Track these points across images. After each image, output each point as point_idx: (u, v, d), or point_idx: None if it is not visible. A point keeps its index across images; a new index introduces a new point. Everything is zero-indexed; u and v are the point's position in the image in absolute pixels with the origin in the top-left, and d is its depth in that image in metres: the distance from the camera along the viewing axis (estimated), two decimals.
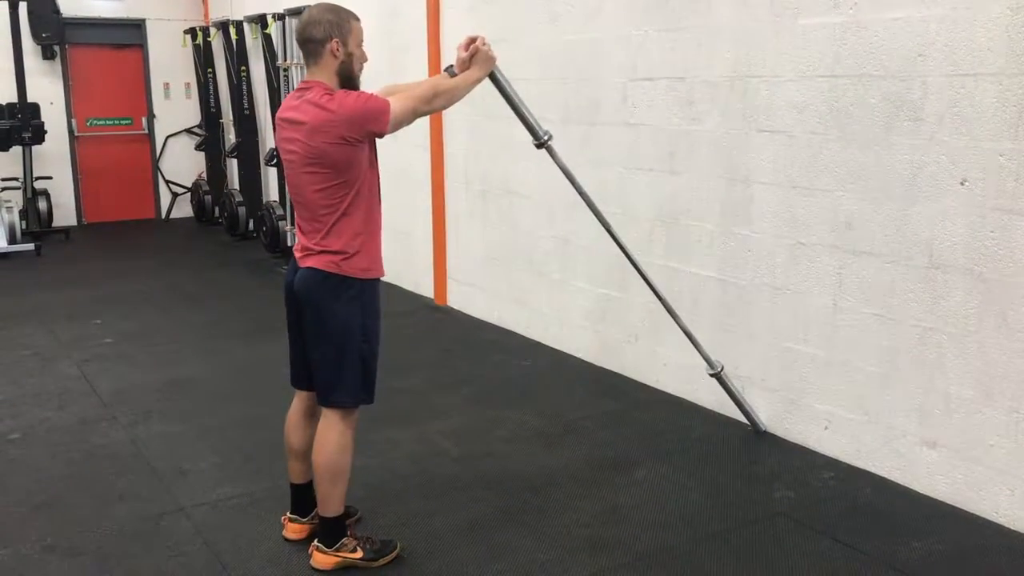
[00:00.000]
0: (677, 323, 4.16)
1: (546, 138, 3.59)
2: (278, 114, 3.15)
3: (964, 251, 3.47)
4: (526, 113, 3.50)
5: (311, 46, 3.04)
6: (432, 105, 3.18)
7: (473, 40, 3.25)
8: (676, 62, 4.60)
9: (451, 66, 3.28)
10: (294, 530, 3.40)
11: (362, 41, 3.11)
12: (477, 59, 3.24)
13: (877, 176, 3.73)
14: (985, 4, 3.31)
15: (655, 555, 3.30)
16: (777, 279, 4.22)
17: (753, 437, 4.33)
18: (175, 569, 3.23)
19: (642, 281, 4.90)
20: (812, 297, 4.07)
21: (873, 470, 3.89)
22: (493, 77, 3.35)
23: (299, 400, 3.35)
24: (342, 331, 3.09)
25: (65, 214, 10.41)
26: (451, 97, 3.21)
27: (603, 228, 3.98)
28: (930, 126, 3.52)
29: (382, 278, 3.23)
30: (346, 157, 2.97)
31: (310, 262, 3.08)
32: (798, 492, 3.76)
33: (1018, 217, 3.29)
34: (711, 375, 4.25)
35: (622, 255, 5.04)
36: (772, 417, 4.33)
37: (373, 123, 2.99)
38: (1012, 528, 3.42)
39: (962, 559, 3.25)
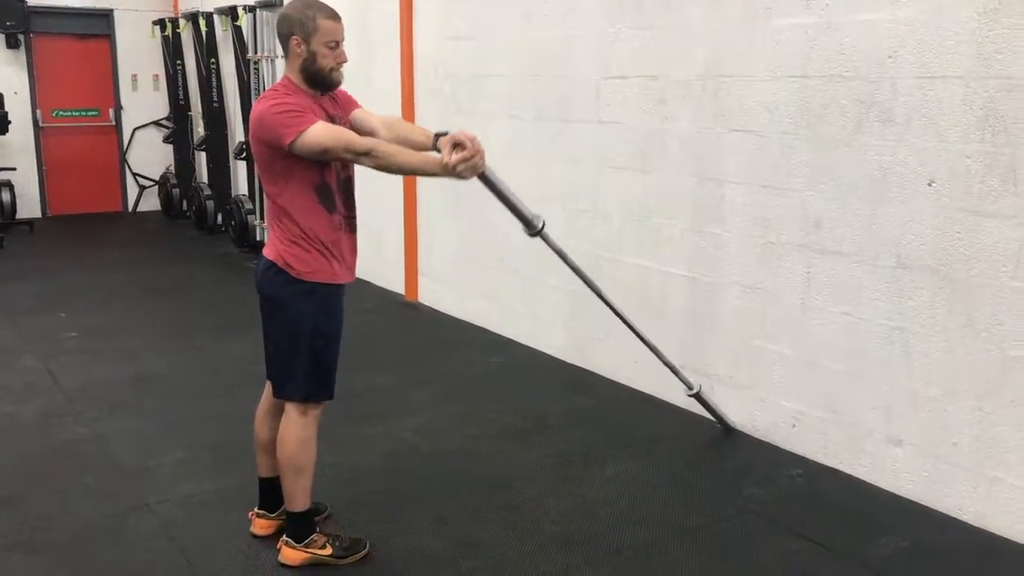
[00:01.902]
0: (657, 355, 4.12)
1: (540, 225, 3.36)
2: None
3: (931, 251, 3.51)
4: (519, 206, 3.31)
5: (280, 41, 3.06)
6: (358, 159, 2.94)
7: (473, 147, 2.89)
8: (649, 61, 4.61)
9: (441, 136, 3.02)
10: (262, 526, 3.37)
11: (335, 40, 3.01)
12: (465, 168, 2.90)
13: (846, 176, 3.76)
14: (953, 8, 3.35)
15: (625, 551, 3.31)
16: (747, 278, 4.24)
17: (722, 434, 4.36)
18: (140, 566, 3.19)
19: (613, 279, 4.93)
20: (781, 296, 4.10)
21: (840, 468, 3.93)
22: (484, 177, 3.09)
23: (266, 393, 3.32)
24: (291, 324, 3.08)
25: (29, 206, 10.24)
26: (387, 167, 2.96)
27: (589, 285, 3.83)
28: (899, 127, 3.56)
29: (346, 283, 3.18)
30: (264, 157, 2.99)
31: (266, 252, 3.11)
32: (766, 489, 3.79)
33: (984, 218, 3.34)
34: (689, 395, 4.26)
35: (592, 253, 5.08)
36: (741, 415, 4.36)
37: (274, 136, 2.89)
38: (975, 525, 3.47)
39: (927, 556, 3.29)
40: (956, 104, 3.38)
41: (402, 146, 3.08)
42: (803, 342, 4.03)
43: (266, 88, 3.18)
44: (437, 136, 3.06)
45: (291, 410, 3.14)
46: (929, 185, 3.49)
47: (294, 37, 2.98)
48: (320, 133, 2.90)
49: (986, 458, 3.43)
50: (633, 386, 4.94)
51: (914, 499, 3.66)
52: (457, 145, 2.87)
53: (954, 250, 3.44)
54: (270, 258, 3.07)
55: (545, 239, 3.43)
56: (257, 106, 2.99)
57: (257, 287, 3.15)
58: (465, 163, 2.88)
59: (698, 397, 4.26)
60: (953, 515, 3.53)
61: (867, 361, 3.78)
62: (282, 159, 2.95)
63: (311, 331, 3.08)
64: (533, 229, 3.35)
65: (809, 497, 3.73)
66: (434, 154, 3.03)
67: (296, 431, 3.12)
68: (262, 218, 8.15)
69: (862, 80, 3.66)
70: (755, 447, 4.21)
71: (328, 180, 3.04)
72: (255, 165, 3.11)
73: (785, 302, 4.08)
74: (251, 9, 8.34)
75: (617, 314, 3.96)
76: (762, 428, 4.27)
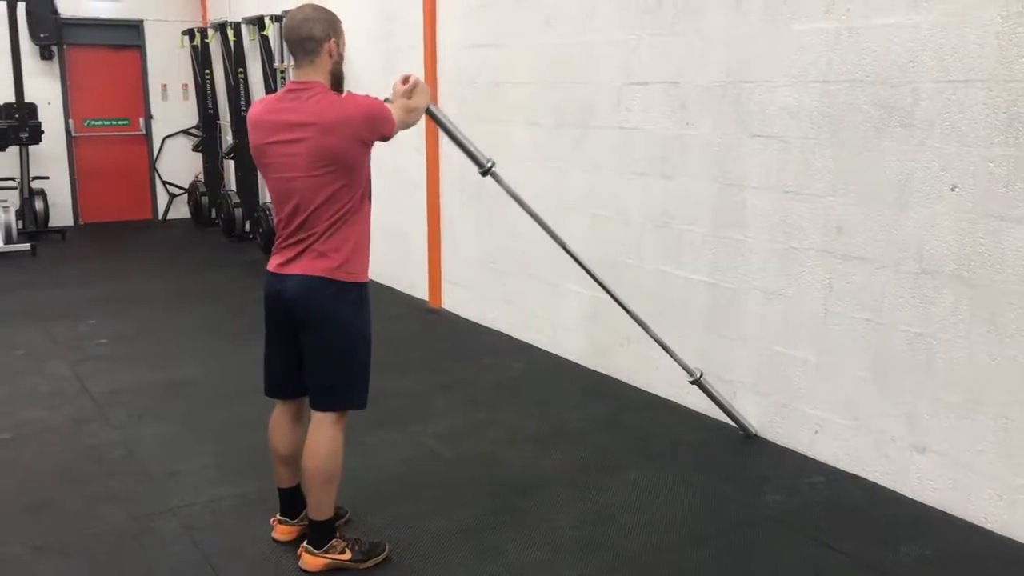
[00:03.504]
0: (648, 333, 4.21)
1: (489, 164, 3.59)
2: (259, 116, 3.05)
3: (954, 257, 3.48)
4: (466, 143, 3.52)
5: (310, 44, 3.00)
6: (409, 120, 3.22)
7: (408, 77, 3.27)
8: (670, 67, 4.61)
9: (388, 98, 3.26)
10: (283, 532, 3.40)
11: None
12: (417, 91, 3.25)
13: (868, 182, 3.74)
14: (976, 11, 3.32)
15: (643, 557, 3.30)
16: (768, 283, 4.23)
17: (743, 441, 4.34)
18: (164, 570, 3.24)
19: (633, 285, 4.93)
20: (803, 301, 4.07)
21: (863, 475, 3.90)
22: (430, 111, 3.38)
23: (283, 408, 3.32)
24: (347, 336, 3.09)
25: (62, 214, 10.40)
26: (416, 118, 3.28)
27: (570, 255, 4.04)
28: (921, 132, 3.53)
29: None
30: (358, 158, 3.00)
31: (303, 268, 3.02)
32: (788, 496, 3.77)
33: (1007, 223, 3.30)
34: (691, 382, 4.26)
35: (613, 259, 5.08)
36: (763, 421, 4.34)
37: (383, 125, 3.03)
38: (1000, 534, 3.43)
39: (950, 565, 3.26)
40: (979, 108, 3.35)
41: None
42: (825, 348, 4.00)
43: None
44: (386, 99, 3.26)
45: (326, 420, 3.13)
46: (952, 190, 3.46)
47: (332, 40, 3.02)
48: (396, 107, 3.14)
49: (1011, 466, 3.39)
50: (654, 391, 4.93)
51: (938, 507, 3.62)
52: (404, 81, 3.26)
53: (977, 255, 3.41)
54: (314, 274, 3.01)
55: (495, 177, 3.67)
56: (341, 111, 2.94)
57: (291, 305, 3.06)
58: (415, 84, 3.25)
59: (699, 384, 4.26)
60: (978, 523, 3.50)
61: (890, 367, 3.75)
62: (367, 160, 3.06)
63: (363, 339, 3.13)
64: (483, 167, 3.60)
65: (831, 504, 3.70)
66: (412, 100, 3.27)
67: (329, 442, 3.13)
68: None
69: (883, 85, 3.64)
70: (777, 454, 4.19)
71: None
72: (311, 183, 2.95)
73: (807, 308, 4.06)
74: (278, 19, 8.43)
75: (599, 283, 4.11)
76: (784, 434, 4.25)
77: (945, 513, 3.59)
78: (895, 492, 3.76)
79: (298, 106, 2.97)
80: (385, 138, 3.06)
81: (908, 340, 3.67)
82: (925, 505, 3.65)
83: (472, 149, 3.53)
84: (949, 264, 3.49)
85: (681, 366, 4.24)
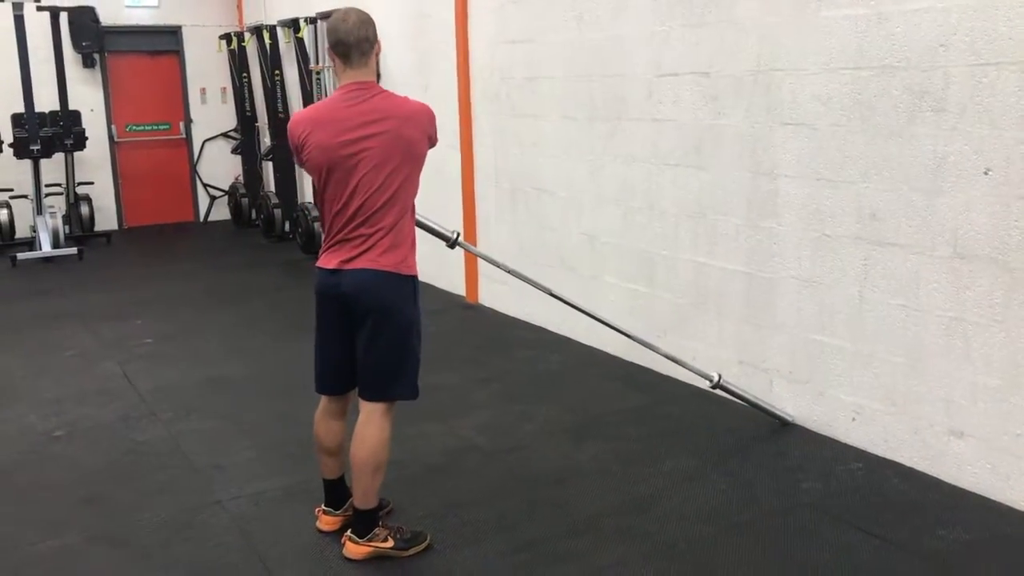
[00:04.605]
0: (655, 350, 4.31)
1: (455, 236, 3.73)
2: (323, 115, 3.09)
3: (988, 240, 3.46)
4: (432, 226, 3.65)
5: (366, 46, 3.07)
6: None
7: None
8: (700, 57, 4.63)
9: None
10: (327, 522, 3.48)
11: None
12: None
13: (901, 167, 3.73)
14: None
15: (679, 545, 3.34)
16: (803, 271, 4.23)
17: (780, 429, 4.34)
18: (212, 559, 3.34)
19: (668, 276, 4.96)
20: (838, 289, 4.07)
21: (901, 460, 3.89)
22: None
23: (330, 402, 3.39)
24: (406, 327, 3.18)
25: (106, 218, 10.63)
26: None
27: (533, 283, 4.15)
28: (953, 116, 3.52)
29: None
30: (424, 153, 3.19)
31: (369, 263, 3.08)
32: (825, 483, 3.78)
33: None
34: (712, 387, 4.30)
35: (648, 251, 5.11)
36: (799, 409, 4.34)
37: (436, 128, 3.26)
38: None
39: (989, 549, 3.25)
40: (1011, 91, 3.33)
41: None
42: (861, 335, 4.00)
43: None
44: None
45: (376, 411, 3.21)
46: (985, 174, 3.44)
47: (379, 42, 3.14)
48: None
49: None
50: (691, 382, 4.94)
51: (976, 491, 3.61)
52: None
53: (1012, 239, 3.39)
54: (383, 268, 3.09)
55: (463, 246, 3.86)
56: (412, 105, 3.16)
57: (352, 299, 3.11)
58: None
59: (721, 387, 4.30)
60: (1017, 507, 3.48)
61: (926, 353, 3.74)
62: (426, 154, 3.22)
63: (417, 329, 3.23)
64: (449, 241, 3.73)
65: (869, 490, 3.70)
66: None
67: (379, 432, 3.21)
68: None
69: (915, 70, 3.63)
70: (814, 441, 4.19)
71: None
72: (380, 178, 3.06)
73: (842, 295, 4.06)
74: (312, 21, 8.54)
75: (583, 311, 4.25)
76: (821, 422, 4.25)
77: (983, 497, 3.58)
78: (933, 477, 3.76)
79: (366, 104, 3.06)
80: (436, 143, 3.25)
81: (944, 325, 3.66)
82: (963, 490, 3.64)
83: (436, 227, 3.67)
84: (984, 248, 3.48)
85: (697, 373, 4.30)
